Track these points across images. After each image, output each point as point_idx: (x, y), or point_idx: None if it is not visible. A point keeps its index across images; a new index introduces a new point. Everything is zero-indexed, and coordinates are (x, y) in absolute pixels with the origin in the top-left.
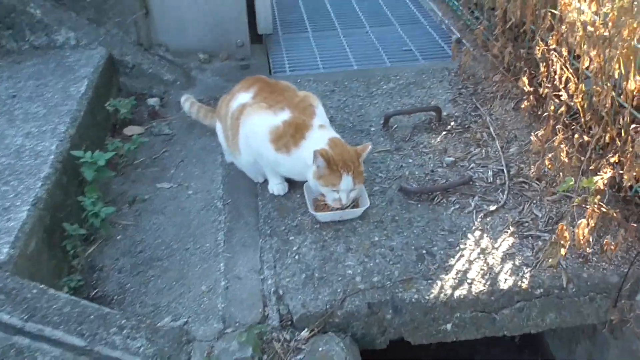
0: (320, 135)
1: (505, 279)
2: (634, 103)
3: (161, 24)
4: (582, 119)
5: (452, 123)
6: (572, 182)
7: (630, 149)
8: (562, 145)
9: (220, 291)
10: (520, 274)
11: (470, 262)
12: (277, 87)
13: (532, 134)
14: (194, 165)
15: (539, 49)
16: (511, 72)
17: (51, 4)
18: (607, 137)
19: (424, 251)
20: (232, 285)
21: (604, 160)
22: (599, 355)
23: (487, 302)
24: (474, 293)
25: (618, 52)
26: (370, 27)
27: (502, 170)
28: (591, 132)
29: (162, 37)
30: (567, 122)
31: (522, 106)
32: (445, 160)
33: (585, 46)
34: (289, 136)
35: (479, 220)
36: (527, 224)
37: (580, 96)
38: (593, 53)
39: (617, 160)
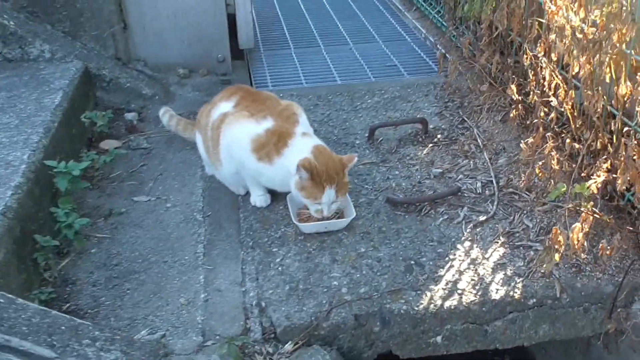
0: (304, 143)
1: (497, 289)
2: (627, 106)
3: (140, 38)
4: (573, 126)
5: (439, 136)
6: (563, 189)
7: (624, 152)
8: (552, 153)
9: (200, 304)
10: (512, 284)
11: (461, 273)
12: (259, 96)
13: (522, 142)
14: (173, 179)
15: (526, 57)
16: (499, 82)
17: (25, 16)
18: (598, 144)
19: (413, 262)
20: (212, 298)
21: (596, 165)
22: None
23: (478, 313)
24: (464, 304)
25: (608, 57)
26: (354, 44)
27: (491, 182)
28: (582, 138)
29: (140, 51)
30: (557, 130)
31: (511, 115)
32: (432, 171)
33: (575, 51)
34: (272, 145)
35: (468, 230)
36: (518, 234)
37: (571, 103)
38: (582, 59)
39: (609, 166)
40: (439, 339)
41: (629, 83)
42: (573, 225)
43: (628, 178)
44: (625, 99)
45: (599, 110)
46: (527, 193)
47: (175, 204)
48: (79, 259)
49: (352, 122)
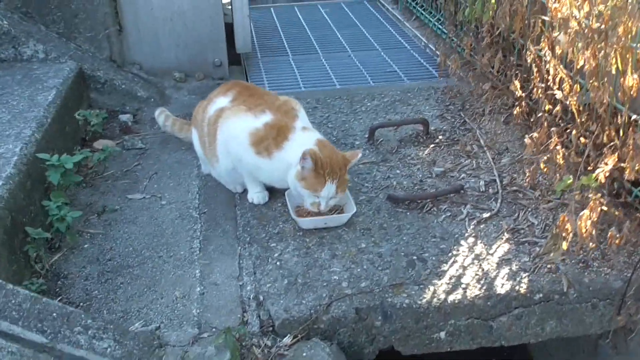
0: (307, 136)
1: (502, 284)
2: (634, 96)
3: (135, 42)
4: (578, 120)
5: (440, 137)
6: (570, 181)
7: (632, 141)
8: (557, 147)
9: (196, 297)
10: (518, 279)
11: (464, 268)
12: (256, 91)
13: (527, 136)
14: (168, 178)
15: (529, 54)
16: (501, 81)
17: (19, 16)
18: (604, 137)
19: (415, 257)
20: (208, 292)
21: (603, 156)
22: None
23: (483, 307)
24: (469, 298)
25: (614, 49)
26: (353, 51)
27: (495, 180)
28: (588, 131)
29: (136, 54)
30: (561, 125)
31: (514, 113)
32: (434, 170)
33: (580, 44)
34: (271, 139)
35: (472, 227)
36: (523, 231)
37: (575, 97)
38: (587, 52)
39: (617, 158)
40: (442, 334)
41: (635, 75)
42: (581, 213)
43: (637, 167)
44: (632, 92)
45: (604, 102)
46: (532, 191)
47: (171, 202)
48: (71, 254)
49: (352, 124)
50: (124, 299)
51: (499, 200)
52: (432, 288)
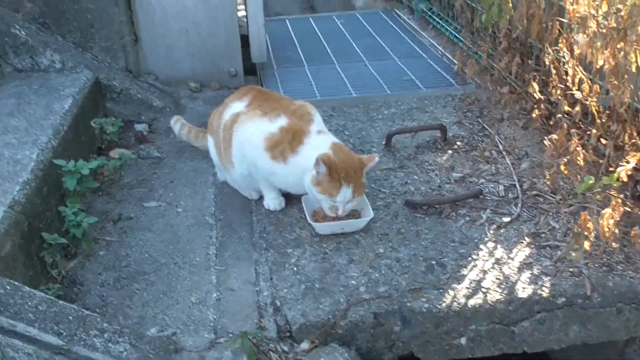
0: (322, 140)
1: (524, 288)
2: None
3: (150, 52)
4: (598, 121)
5: (458, 143)
6: (592, 181)
7: None
8: (578, 149)
9: (212, 303)
10: (540, 283)
11: (485, 272)
12: (272, 96)
13: (547, 138)
14: (184, 186)
15: (548, 57)
16: (519, 85)
17: (36, 27)
18: (625, 137)
19: (434, 262)
20: (224, 297)
21: (625, 155)
22: None
23: (504, 312)
24: (490, 302)
25: (633, 48)
26: (369, 61)
27: (514, 185)
28: (609, 132)
29: (151, 65)
30: (581, 126)
31: (533, 116)
32: (452, 176)
33: (599, 43)
34: (287, 143)
35: (491, 232)
36: (544, 235)
37: (595, 97)
38: (607, 51)
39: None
40: (463, 340)
41: None
42: (603, 212)
43: None
44: None
45: (625, 101)
46: (552, 195)
47: (186, 209)
48: (87, 260)
49: (369, 132)
50: (140, 305)
51: (519, 205)
52: (451, 292)
